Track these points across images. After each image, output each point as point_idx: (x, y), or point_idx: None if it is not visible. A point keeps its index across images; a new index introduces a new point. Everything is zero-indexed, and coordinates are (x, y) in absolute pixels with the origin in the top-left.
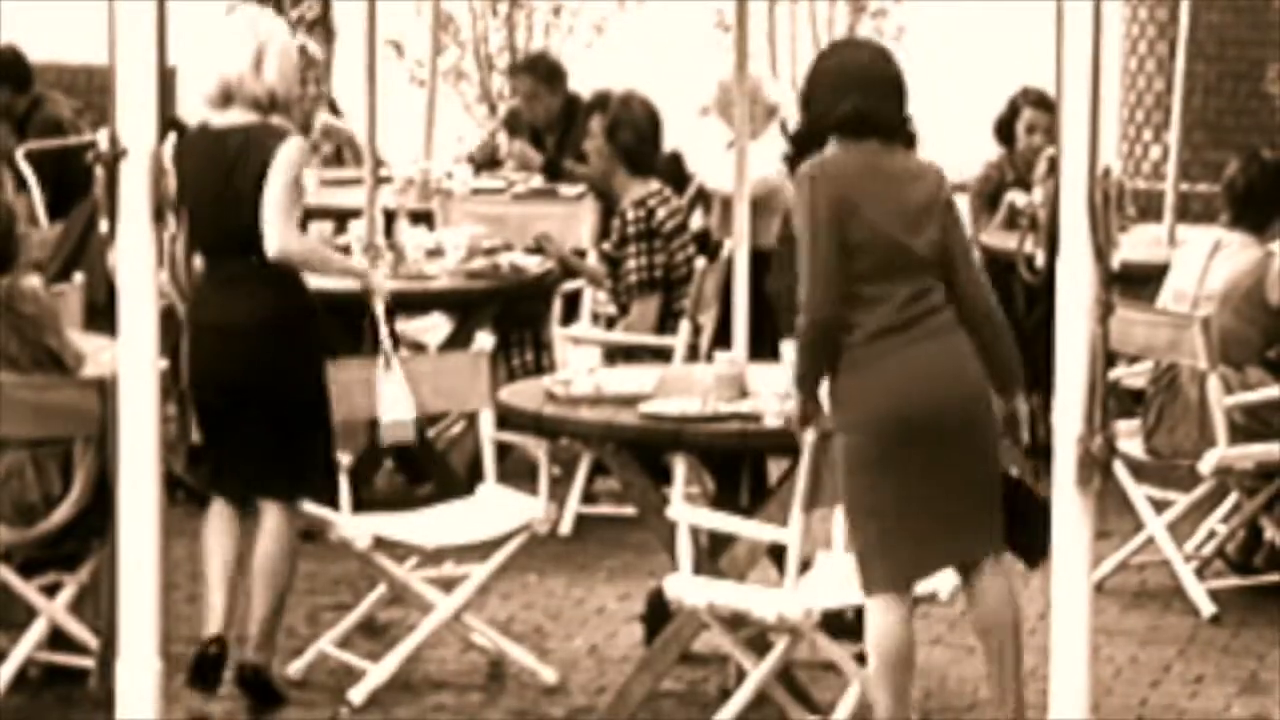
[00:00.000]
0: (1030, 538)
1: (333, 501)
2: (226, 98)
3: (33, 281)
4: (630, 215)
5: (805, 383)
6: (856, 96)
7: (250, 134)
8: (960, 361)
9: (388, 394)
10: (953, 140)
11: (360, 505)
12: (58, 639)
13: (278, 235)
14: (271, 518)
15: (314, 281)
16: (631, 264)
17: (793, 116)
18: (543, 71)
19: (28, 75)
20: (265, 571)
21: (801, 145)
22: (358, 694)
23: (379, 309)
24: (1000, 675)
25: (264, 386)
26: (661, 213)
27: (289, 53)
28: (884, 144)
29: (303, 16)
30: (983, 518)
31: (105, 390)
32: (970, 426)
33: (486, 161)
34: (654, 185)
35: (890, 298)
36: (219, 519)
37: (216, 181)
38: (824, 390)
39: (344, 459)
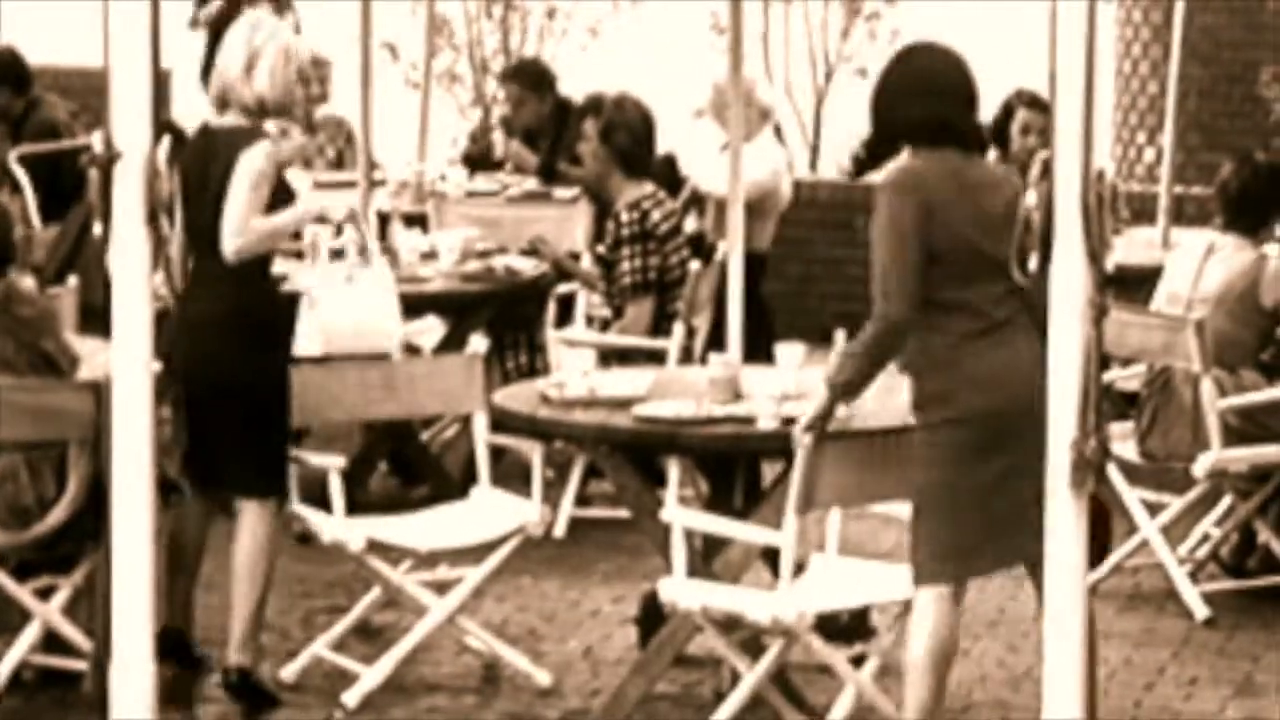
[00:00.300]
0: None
1: (287, 495)
2: (224, 101)
3: (29, 284)
4: (624, 217)
5: (852, 385)
6: (933, 104)
7: (229, 137)
8: (1038, 363)
9: (302, 327)
10: None
11: (354, 508)
12: (52, 642)
13: (229, 237)
14: (249, 515)
15: (303, 285)
16: (625, 266)
17: (786, 120)
18: (529, 78)
19: (26, 77)
20: (244, 569)
21: (875, 151)
22: (352, 697)
23: (337, 227)
24: None
25: (227, 383)
26: (656, 215)
27: (286, 58)
28: (959, 152)
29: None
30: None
31: (99, 393)
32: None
33: (481, 157)
34: (648, 188)
35: (971, 303)
36: (191, 514)
37: (195, 180)
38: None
39: (338, 462)
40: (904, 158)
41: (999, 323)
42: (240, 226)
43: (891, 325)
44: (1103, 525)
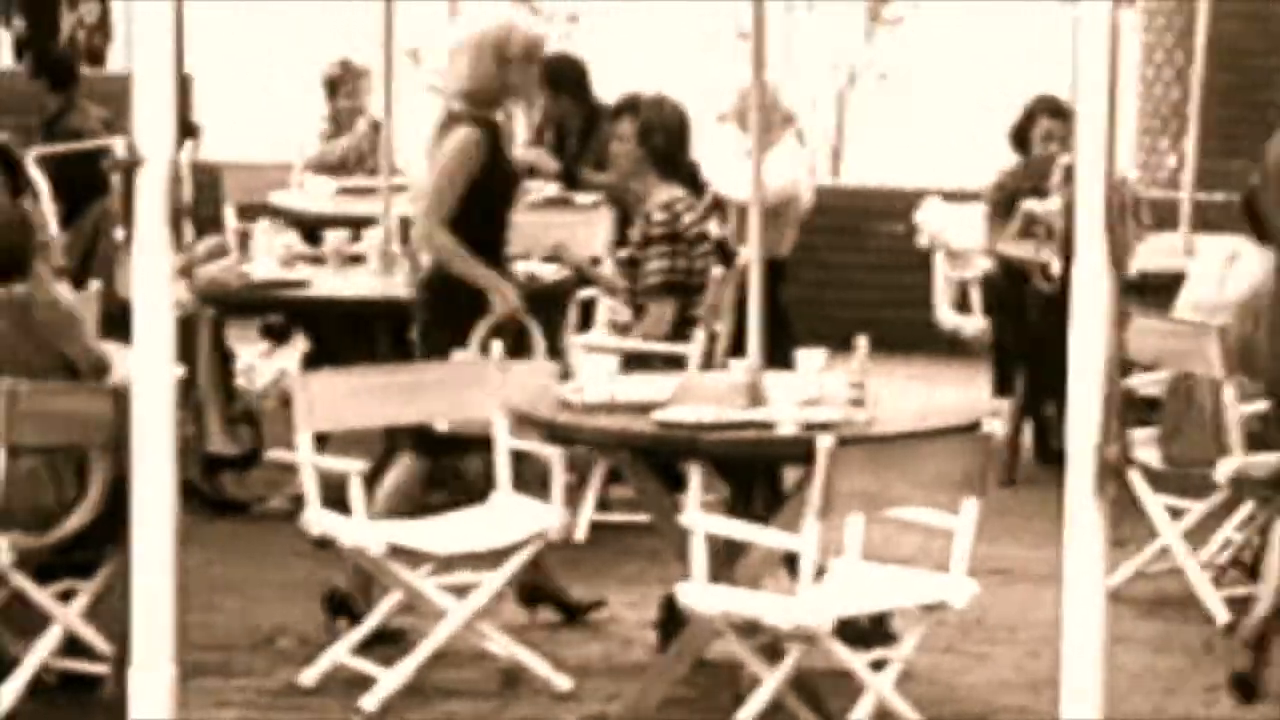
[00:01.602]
0: None
1: None
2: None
3: (53, 288)
4: (657, 216)
5: None
6: None
7: (446, 122)
8: None
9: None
10: (969, 147)
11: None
12: (72, 645)
13: (416, 238)
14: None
15: (325, 291)
16: (654, 265)
17: (809, 127)
18: (544, 73)
19: (67, 76)
20: None
21: None
22: (370, 701)
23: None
24: None
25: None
26: (687, 218)
27: (478, 47)
28: None
29: (82, 19)
30: None
31: (119, 397)
32: None
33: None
34: (679, 191)
35: None
36: None
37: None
38: None
39: (358, 466)
40: None
41: None
42: (428, 230)
43: None
44: None
